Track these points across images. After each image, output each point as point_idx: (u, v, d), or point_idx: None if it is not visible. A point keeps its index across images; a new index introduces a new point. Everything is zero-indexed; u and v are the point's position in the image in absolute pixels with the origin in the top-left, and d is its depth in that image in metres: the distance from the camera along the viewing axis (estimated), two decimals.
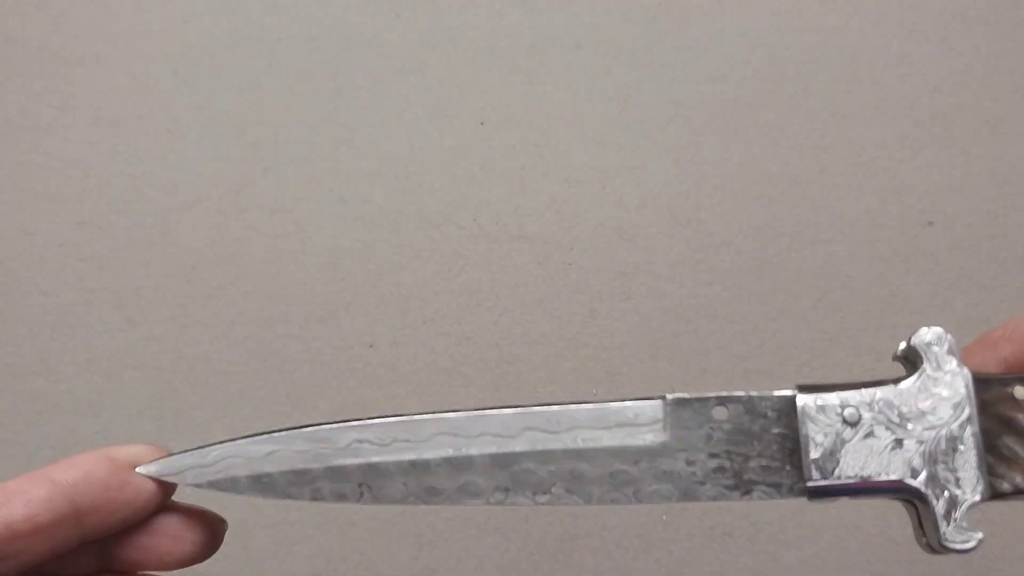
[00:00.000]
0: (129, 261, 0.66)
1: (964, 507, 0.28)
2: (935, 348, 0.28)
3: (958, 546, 0.28)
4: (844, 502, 0.29)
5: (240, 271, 0.66)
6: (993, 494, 0.28)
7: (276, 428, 0.32)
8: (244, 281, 0.66)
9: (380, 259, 0.66)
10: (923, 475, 0.28)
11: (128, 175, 0.67)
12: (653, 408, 0.31)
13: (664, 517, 0.65)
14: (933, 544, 0.28)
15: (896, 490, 0.28)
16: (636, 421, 0.31)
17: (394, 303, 0.65)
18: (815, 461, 0.28)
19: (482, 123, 0.68)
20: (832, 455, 0.28)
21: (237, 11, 0.68)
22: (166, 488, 0.29)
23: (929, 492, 0.28)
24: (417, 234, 0.66)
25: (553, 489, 0.30)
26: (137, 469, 0.30)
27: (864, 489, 0.28)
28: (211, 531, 0.30)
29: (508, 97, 0.68)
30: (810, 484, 0.28)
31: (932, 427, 0.28)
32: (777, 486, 0.29)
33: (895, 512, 0.64)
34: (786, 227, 0.67)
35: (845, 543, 0.64)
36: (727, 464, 0.29)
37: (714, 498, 0.29)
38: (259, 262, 0.66)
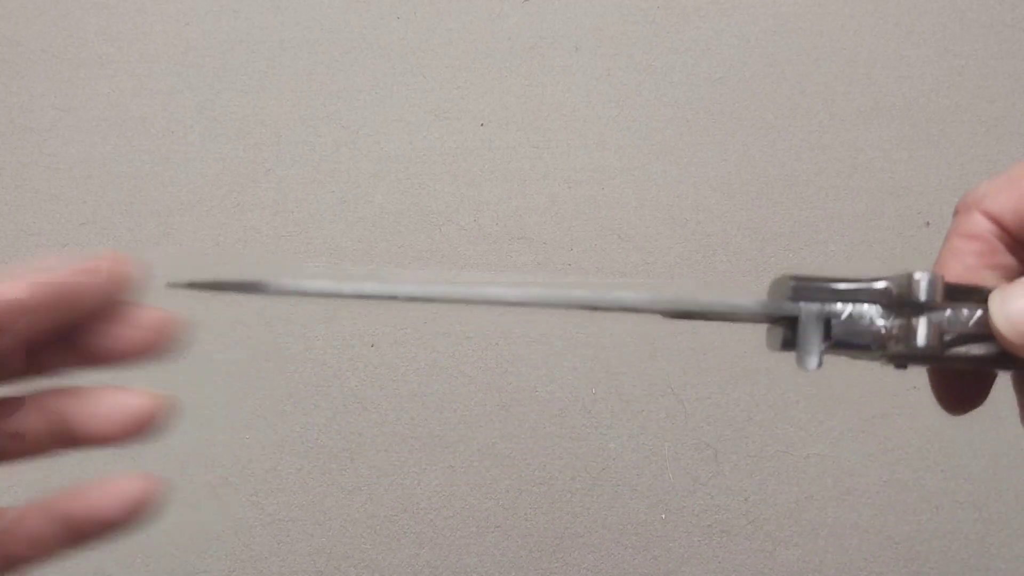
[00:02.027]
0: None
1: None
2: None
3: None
4: None
5: (242, 271, 0.66)
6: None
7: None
8: None
9: (381, 259, 0.66)
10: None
11: (131, 176, 0.67)
12: None
13: (663, 515, 0.65)
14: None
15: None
16: None
17: (395, 303, 0.66)
18: None
19: (482, 124, 0.68)
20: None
21: (239, 13, 0.68)
22: (129, 279, 0.30)
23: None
24: (418, 234, 0.66)
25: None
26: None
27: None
28: (170, 330, 0.31)
29: (508, 99, 0.68)
30: None
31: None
32: None
33: (892, 511, 0.65)
34: (784, 227, 0.67)
35: (842, 541, 0.64)
36: None
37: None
38: (261, 262, 0.66)
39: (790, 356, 0.30)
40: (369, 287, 0.31)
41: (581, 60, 0.68)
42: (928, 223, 0.67)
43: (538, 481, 0.65)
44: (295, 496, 0.65)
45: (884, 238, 0.66)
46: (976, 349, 0.29)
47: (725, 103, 0.68)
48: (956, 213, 0.35)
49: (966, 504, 0.65)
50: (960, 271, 0.33)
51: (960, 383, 0.34)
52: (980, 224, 0.34)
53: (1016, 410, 0.33)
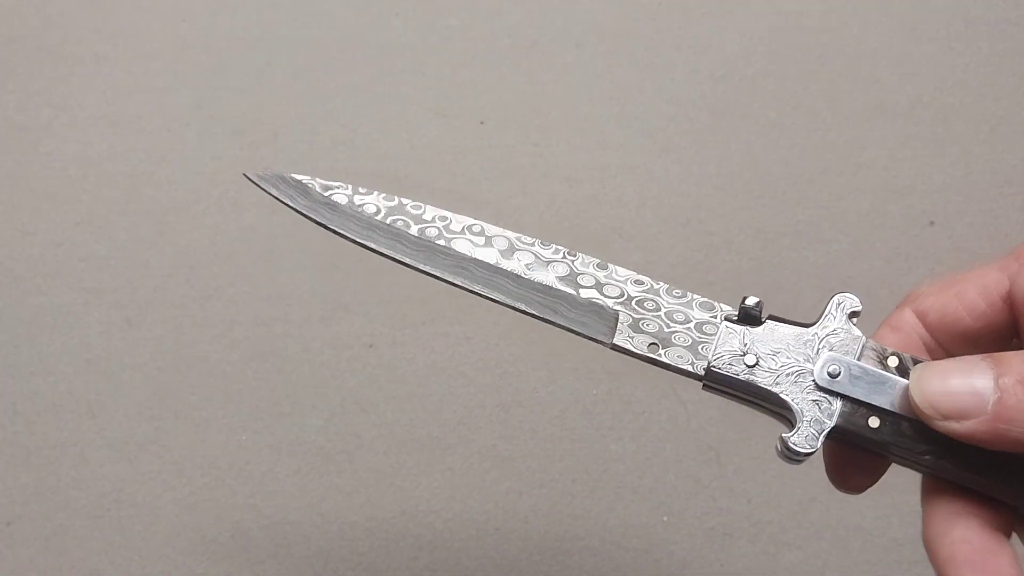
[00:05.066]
0: (128, 261, 0.66)
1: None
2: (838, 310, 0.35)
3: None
4: None
5: (239, 271, 0.66)
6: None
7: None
8: (243, 281, 0.66)
9: (380, 259, 0.66)
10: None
11: (127, 174, 0.67)
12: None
13: (665, 518, 0.64)
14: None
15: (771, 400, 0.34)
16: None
17: (394, 303, 0.65)
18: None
19: (482, 122, 0.67)
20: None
21: (236, 10, 0.68)
22: None
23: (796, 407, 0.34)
24: None
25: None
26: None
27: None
28: None
29: (508, 96, 0.68)
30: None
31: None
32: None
33: (897, 513, 0.64)
34: (787, 227, 0.66)
35: (846, 544, 0.64)
36: None
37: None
38: (258, 262, 0.66)
39: None
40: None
41: (582, 57, 0.68)
42: (932, 222, 0.66)
43: (538, 483, 0.64)
44: (292, 498, 0.64)
45: (888, 237, 0.66)
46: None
47: (728, 101, 0.68)
48: (897, 307, 0.38)
49: None
50: None
51: (852, 459, 0.36)
52: (907, 319, 0.36)
53: None
